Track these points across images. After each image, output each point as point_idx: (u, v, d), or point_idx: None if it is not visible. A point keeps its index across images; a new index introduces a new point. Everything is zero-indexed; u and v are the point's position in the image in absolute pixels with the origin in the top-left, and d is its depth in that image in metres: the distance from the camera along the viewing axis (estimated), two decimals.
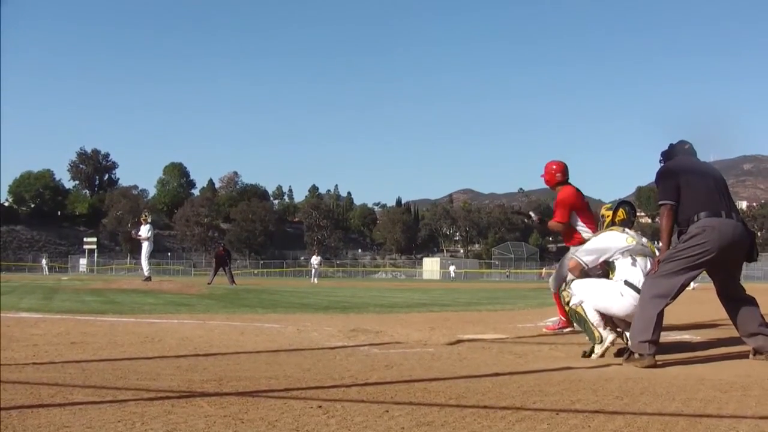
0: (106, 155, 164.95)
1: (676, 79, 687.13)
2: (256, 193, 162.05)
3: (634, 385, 5.37)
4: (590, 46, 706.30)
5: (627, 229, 7.66)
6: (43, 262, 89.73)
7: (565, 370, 6.24)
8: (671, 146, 7.48)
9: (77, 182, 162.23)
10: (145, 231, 27.71)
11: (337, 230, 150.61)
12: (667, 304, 6.76)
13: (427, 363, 6.60)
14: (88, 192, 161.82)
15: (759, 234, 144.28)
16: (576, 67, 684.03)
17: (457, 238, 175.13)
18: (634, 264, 7.28)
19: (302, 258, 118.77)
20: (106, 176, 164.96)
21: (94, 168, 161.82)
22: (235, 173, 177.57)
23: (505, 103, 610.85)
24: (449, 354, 7.27)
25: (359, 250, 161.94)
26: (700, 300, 12.17)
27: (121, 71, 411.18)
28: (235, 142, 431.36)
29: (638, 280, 7.13)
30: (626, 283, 7.17)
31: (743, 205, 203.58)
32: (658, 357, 6.59)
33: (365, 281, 62.85)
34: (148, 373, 5.69)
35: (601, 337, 7.15)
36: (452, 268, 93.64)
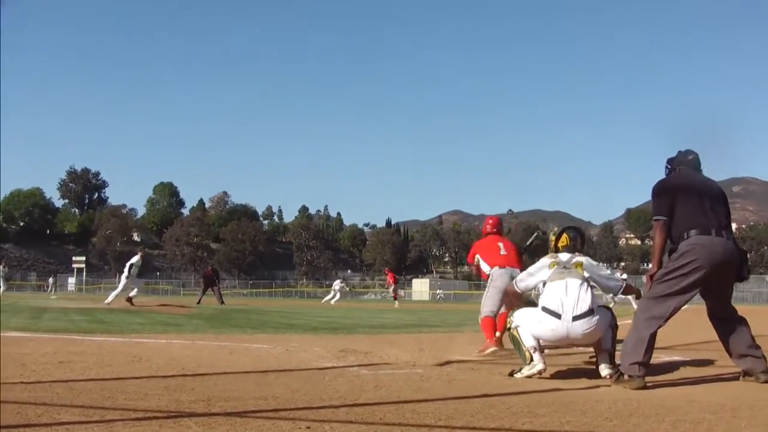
0: (96, 174, 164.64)
1: (667, 102, 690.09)
2: (245, 213, 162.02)
3: (623, 406, 5.36)
4: (577, 74, 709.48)
5: (560, 254, 7.72)
6: (50, 280, 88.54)
7: (554, 391, 6.23)
8: (679, 153, 7.51)
9: (67, 201, 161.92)
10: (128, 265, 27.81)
11: (326, 251, 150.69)
12: (660, 326, 6.76)
13: (417, 384, 6.58)
14: (77, 211, 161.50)
15: (748, 256, 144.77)
16: (565, 90, 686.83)
17: (447, 259, 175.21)
18: (554, 289, 7.27)
19: (291, 279, 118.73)
20: (96, 195, 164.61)
21: (84, 187, 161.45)
22: (225, 193, 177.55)
23: (495, 125, 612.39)
24: (438, 375, 7.26)
25: (349, 271, 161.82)
26: (689, 321, 12.14)
27: (112, 90, 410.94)
28: (226, 162, 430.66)
29: (557, 304, 7.12)
30: (543, 309, 7.19)
31: (732, 227, 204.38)
32: (647, 378, 6.59)
33: (354, 302, 62.74)
34: (136, 392, 5.66)
35: (532, 359, 7.21)
36: (439, 292, 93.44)
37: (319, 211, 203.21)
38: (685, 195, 7.05)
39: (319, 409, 5.09)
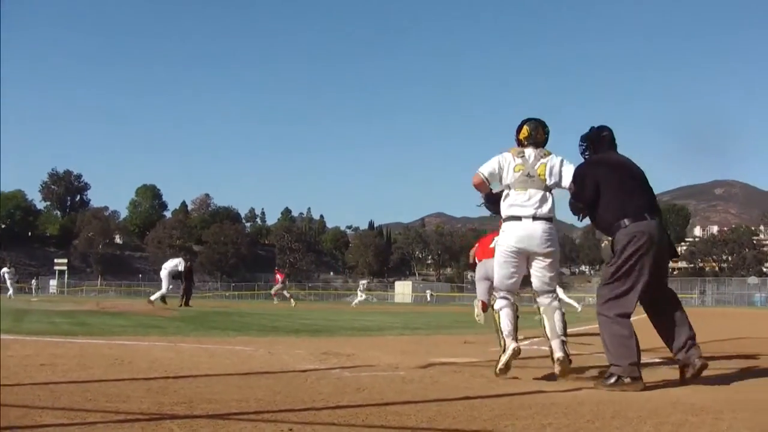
0: (78, 176, 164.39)
1: (650, 105, 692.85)
2: (228, 215, 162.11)
3: (606, 408, 5.37)
4: (563, 75, 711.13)
5: (526, 151, 7.51)
6: (33, 282, 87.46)
7: (537, 393, 6.23)
8: (592, 130, 7.38)
9: (49, 203, 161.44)
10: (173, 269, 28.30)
11: (309, 253, 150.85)
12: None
13: (399, 386, 6.58)
14: (59, 213, 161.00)
15: (730, 259, 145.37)
16: (550, 89, 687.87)
17: (430, 261, 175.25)
18: (515, 197, 7.32)
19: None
20: (78, 197, 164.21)
21: (66, 189, 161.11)
22: (208, 195, 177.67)
23: (478, 128, 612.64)
24: (421, 377, 7.25)
25: (331, 273, 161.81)
26: None
27: (94, 92, 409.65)
28: (208, 165, 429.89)
29: (518, 210, 7.28)
30: (506, 217, 7.40)
31: (714, 229, 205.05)
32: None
33: (337, 304, 62.72)
34: (117, 395, 5.64)
35: (505, 345, 7.30)
36: (429, 292, 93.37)
37: (301, 213, 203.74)
38: (610, 178, 6.96)
39: (302, 411, 5.08)
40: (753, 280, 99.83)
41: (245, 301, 71.77)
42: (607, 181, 6.93)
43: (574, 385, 6.83)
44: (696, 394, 6.23)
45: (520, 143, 7.66)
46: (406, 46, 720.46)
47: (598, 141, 7.26)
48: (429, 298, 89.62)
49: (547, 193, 7.32)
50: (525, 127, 7.65)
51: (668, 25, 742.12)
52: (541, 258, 7.31)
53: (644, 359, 8.85)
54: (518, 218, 7.25)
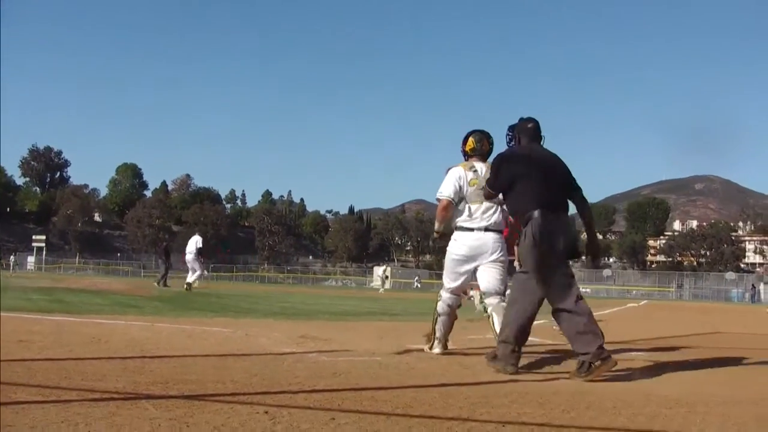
0: (59, 153, 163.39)
1: (633, 102, 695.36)
2: (208, 196, 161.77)
3: (581, 399, 5.40)
4: (552, 75, 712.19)
5: (476, 165, 7.99)
6: (11, 258, 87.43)
7: (512, 382, 6.25)
8: (520, 121, 7.44)
9: (28, 179, 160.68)
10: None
11: (288, 236, 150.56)
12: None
13: (375, 372, 6.59)
14: (38, 189, 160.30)
15: (708, 254, 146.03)
16: (537, 87, 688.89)
17: (409, 247, 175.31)
18: (470, 210, 7.85)
19: (252, 264, 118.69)
20: (58, 174, 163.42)
21: (46, 165, 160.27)
22: (188, 176, 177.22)
23: (460, 114, 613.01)
24: (397, 363, 7.26)
25: (310, 257, 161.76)
26: (649, 315, 12.27)
27: (76, 69, 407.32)
28: (189, 145, 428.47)
29: (470, 222, 7.87)
30: (457, 227, 7.98)
31: (693, 224, 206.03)
32: (611, 372, 6.56)
33: (315, 288, 62.65)
34: (93, 373, 5.64)
35: (433, 343, 8.30)
36: (416, 279, 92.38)
37: (282, 196, 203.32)
38: (525, 170, 7.02)
39: (278, 394, 5.09)
40: (731, 275, 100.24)
41: (224, 282, 71.57)
42: (522, 172, 7.00)
43: (550, 374, 6.87)
44: (670, 387, 6.27)
45: (465, 154, 8.19)
46: (389, 30, 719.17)
47: (522, 132, 7.32)
48: (417, 285, 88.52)
49: (498, 207, 7.88)
50: (471, 139, 8.15)
51: (644, 21, 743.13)
52: (491, 264, 7.85)
53: (622, 352, 8.92)
54: (471, 229, 7.85)
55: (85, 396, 4.60)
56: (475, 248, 7.83)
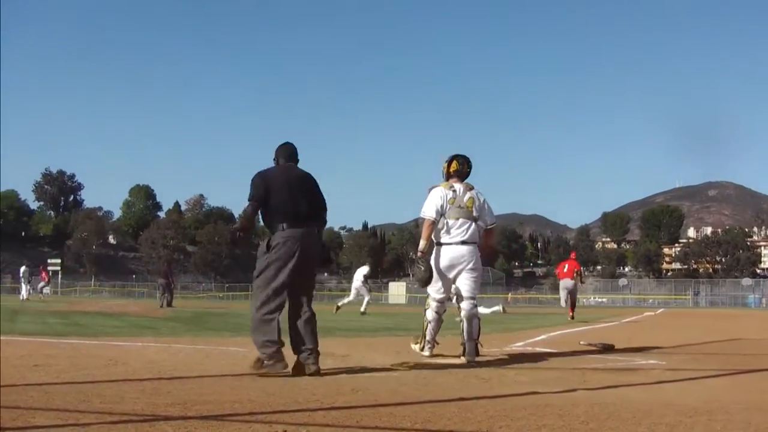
0: (72, 176, 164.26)
1: (646, 107, 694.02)
2: (222, 215, 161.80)
3: (600, 410, 5.37)
4: (554, 77, 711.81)
5: (455, 185, 9.06)
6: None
7: (531, 395, 6.22)
8: (280, 146, 8.12)
9: (42, 203, 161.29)
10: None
11: None
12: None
13: (393, 387, 6.57)
14: (52, 213, 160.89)
15: (724, 260, 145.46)
16: (543, 93, 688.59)
17: None
18: (449, 226, 8.92)
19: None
20: (71, 197, 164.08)
21: (59, 189, 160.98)
22: (202, 196, 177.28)
23: (472, 128, 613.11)
24: (415, 378, 7.26)
25: (325, 274, 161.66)
26: (665, 324, 12.18)
27: (88, 92, 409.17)
28: (202, 165, 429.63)
29: (448, 237, 8.93)
30: (438, 243, 9.07)
31: (708, 231, 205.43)
32: (620, 380, 6.56)
33: (331, 305, 62.53)
34: (111, 396, 5.63)
35: (424, 347, 9.47)
36: None
37: None
38: (279, 186, 7.60)
39: (296, 412, 5.08)
40: (747, 281, 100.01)
41: (239, 302, 71.53)
42: (276, 188, 7.61)
43: (569, 386, 6.84)
44: (690, 395, 6.24)
45: (448, 175, 9.23)
46: (410, 41, 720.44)
47: (281, 153, 8.06)
48: None
49: (473, 223, 8.97)
50: (455, 162, 9.23)
51: (659, 23, 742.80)
52: (466, 273, 8.88)
53: (639, 360, 8.89)
54: (450, 244, 8.89)
55: (103, 419, 4.59)
56: (454, 259, 8.85)
